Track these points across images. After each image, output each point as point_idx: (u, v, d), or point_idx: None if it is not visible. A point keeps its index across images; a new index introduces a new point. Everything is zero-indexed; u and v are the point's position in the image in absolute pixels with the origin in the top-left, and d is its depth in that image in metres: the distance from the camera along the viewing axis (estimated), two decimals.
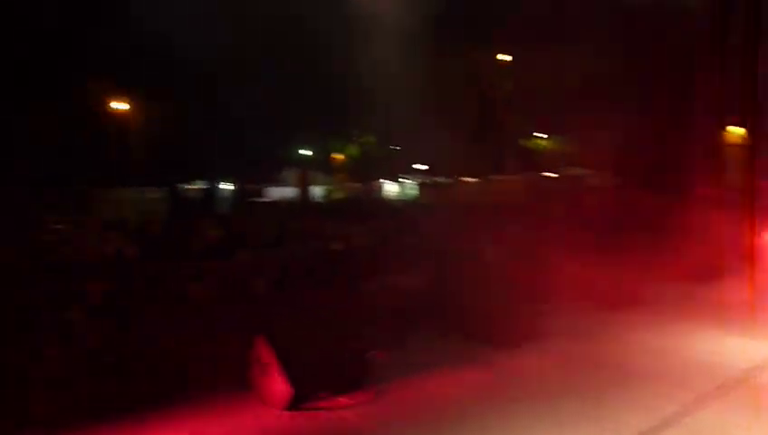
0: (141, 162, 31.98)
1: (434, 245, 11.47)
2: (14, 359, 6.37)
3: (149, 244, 11.87)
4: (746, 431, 5.18)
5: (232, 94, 29.53)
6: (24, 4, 30.26)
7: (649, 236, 11.78)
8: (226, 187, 28.63)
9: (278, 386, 5.65)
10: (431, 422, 5.50)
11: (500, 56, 26.74)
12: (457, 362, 6.94)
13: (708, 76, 14.07)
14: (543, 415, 5.55)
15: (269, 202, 25.28)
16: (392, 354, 6.96)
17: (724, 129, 15.85)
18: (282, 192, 29.31)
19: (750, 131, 9.32)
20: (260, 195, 28.39)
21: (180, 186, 27.00)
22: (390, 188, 34.67)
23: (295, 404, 5.62)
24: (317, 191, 31.64)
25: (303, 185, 30.38)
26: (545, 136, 31.28)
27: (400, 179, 34.51)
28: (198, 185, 28.69)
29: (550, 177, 29.21)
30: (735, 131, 15.02)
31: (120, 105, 31.46)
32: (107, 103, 31.29)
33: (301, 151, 44.84)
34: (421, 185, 33.12)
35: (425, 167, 37.72)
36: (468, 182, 29.10)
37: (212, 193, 26.54)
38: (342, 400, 5.82)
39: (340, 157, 34.88)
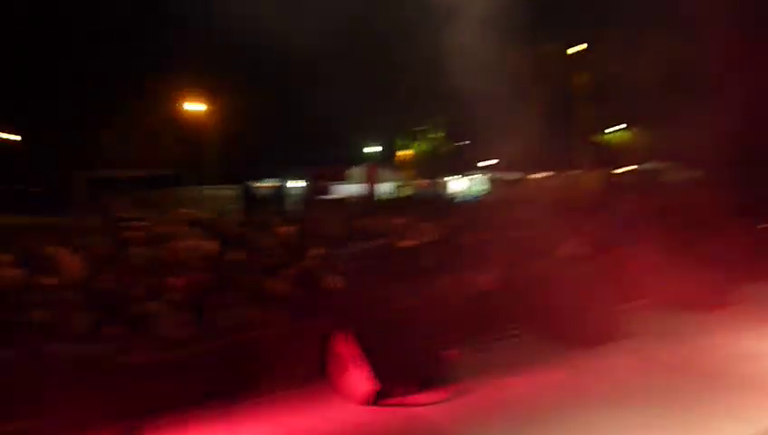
0: (215, 161, 33.10)
1: (505, 241, 11.25)
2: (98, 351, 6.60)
3: (225, 239, 12.19)
4: None
5: (303, 93, 30.01)
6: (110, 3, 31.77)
7: (735, 233, 11.15)
8: (296, 184, 29.11)
9: (359, 381, 5.68)
10: (511, 422, 5.40)
11: (574, 47, 25.99)
12: (536, 363, 6.78)
13: None
14: (628, 419, 5.34)
15: (337, 199, 25.50)
16: (467, 353, 6.88)
17: None
18: (349, 189, 29.51)
19: None
20: (328, 192, 28.71)
21: (252, 183, 27.64)
22: (459, 183, 34.33)
23: (376, 400, 5.64)
24: (384, 188, 31.72)
25: (371, 182, 30.51)
26: (621, 129, 30.21)
27: (469, 175, 34.10)
28: (269, 183, 29.29)
29: (626, 171, 28.22)
30: None
31: (196, 105, 32.60)
32: (184, 103, 32.47)
33: (368, 148, 45.16)
34: (491, 180, 32.59)
35: (493, 162, 37.17)
36: (540, 178, 28.45)
37: (282, 191, 27.05)
38: (420, 397, 5.79)
39: (407, 153, 34.76)
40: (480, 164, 36.11)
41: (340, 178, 30.71)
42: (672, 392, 5.85)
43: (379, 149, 43.99)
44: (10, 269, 9.48)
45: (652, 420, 5.24)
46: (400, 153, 35.19)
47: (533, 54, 25.18)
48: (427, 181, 33.34)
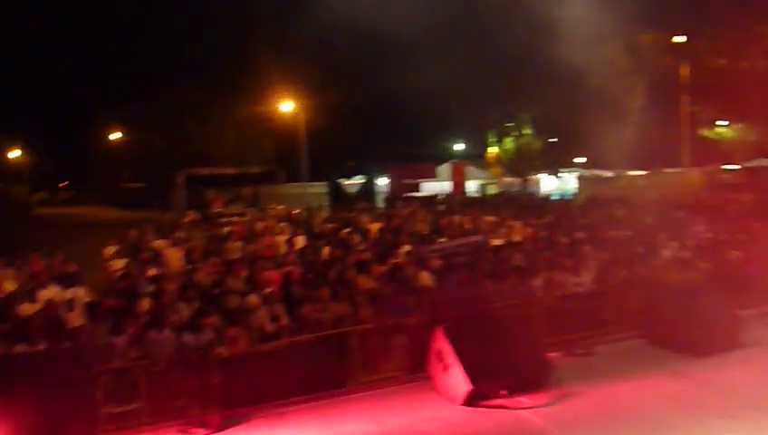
0: (305, 158, 33.90)
1: (601, 241, 10.74)
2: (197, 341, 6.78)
3: (315, 235, 12.39)
4: None
5: (394, 91, 30.13)
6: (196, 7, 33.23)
7: None
8: (384, 182, 29.23)
9: (456, 381, 5.54)
10: (623, 431, 5.07)
11: (676, 38, 24.48)
12: (646, 369, 6.36)
13: None
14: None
15: (426, 196, 25.38)
16: (568, 355, 6.58)
17: None
18: (438, 187, 29.33)
19: None
20: (417, 190, 28.63)
21: (341, 180, 28.01)
22: (548, 181, 33.35)
23: (473, 400, 5.48)
24: (472, 186, 31.31)
25: (459, 180, 30.21)
26: (727, 124, 28.28)
27: (559, 173, 33.03)
28: (357, 180, 29.56)
29: (732, 169, 26.44)
30: None
31: (288, 105, 33.50)
32: (277, 103, 33.46)
33: (456, 146, 44.71)
34: (581, 178, 31.48)
35: (584, 159, 35.89)
36: (636, 175, 27.17)
37: (370, 188, 27.21)
38: (522, 399, 5.57)
39: (495, 151, 34.12)
40: (573, 160, 34.96)
41: (429, 175, 30.52)
42: None
43: (468, 146, 43.51)
44: (117, 260, 10.08)
45: None
46: (489, 150, 34.52)
47: (636, 44, 24.01)
48: (515, 179, 32.58)
